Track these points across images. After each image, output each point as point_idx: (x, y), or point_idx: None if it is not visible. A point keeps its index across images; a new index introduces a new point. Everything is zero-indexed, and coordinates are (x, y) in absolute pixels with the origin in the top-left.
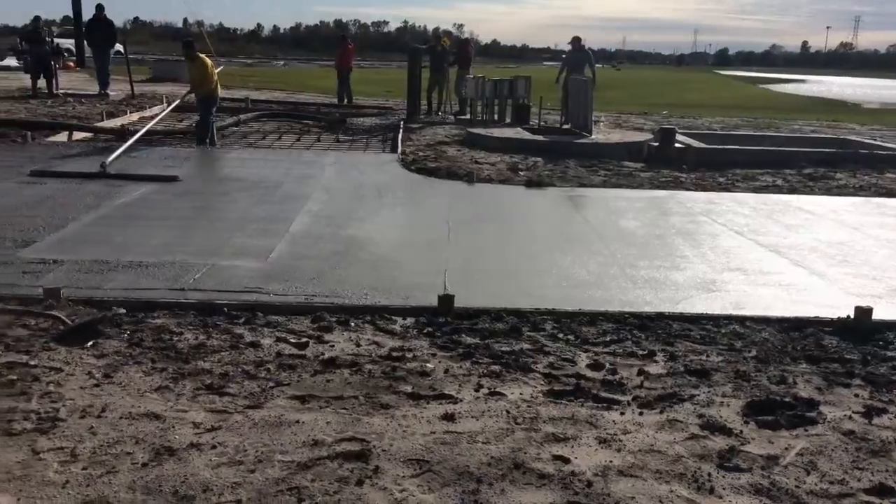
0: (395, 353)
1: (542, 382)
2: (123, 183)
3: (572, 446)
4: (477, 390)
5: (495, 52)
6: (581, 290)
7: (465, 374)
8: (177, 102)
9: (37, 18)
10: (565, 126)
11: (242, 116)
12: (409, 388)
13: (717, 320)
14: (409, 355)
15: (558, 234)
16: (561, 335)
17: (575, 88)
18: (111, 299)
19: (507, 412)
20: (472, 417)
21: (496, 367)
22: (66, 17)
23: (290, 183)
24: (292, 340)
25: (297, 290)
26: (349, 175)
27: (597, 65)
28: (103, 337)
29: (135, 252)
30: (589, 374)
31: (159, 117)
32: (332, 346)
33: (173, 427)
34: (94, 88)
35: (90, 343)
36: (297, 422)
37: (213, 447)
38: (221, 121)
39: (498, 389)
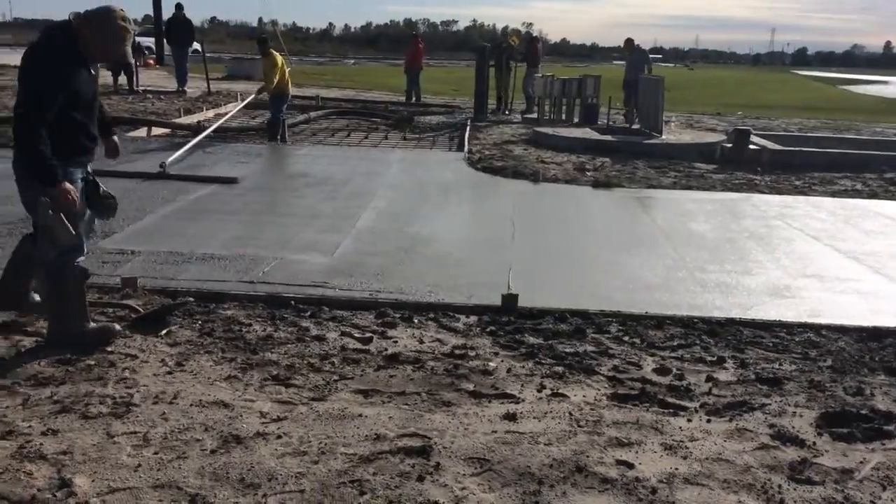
0: (457, 351)
1: (607, 385)
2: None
3: (636, 452)
4: (539, 391)
5: (564, 50)
6: (648, 292)
7: (528, 374)
8: (249, 100)
9: None
10: (634, 126)
11: (312, 114)
12: (470, 387)
13: (790, 328)
14: (472, 353)
15: (625, 235)
16: (626, 338)
17: (645, 88)
18: (184, 290)
19: (570, 414)
20: (535, 418)
21: (559, 369)
22: (146, 16)
23: (358, 180)
24: (356, 335)
25: (361, 285)
26: (415, 173)
27: (668, 64)
28: (176, 326)
29: (207, 244)
30: (655, 378)
31: (229, 115)
32: (396, 342)
33: (241, 416)
34: (172, 85)
35: (164, 332)
36: (360, 415)
37: (279, 437)
38: (292, 118)
39: (561, 391)
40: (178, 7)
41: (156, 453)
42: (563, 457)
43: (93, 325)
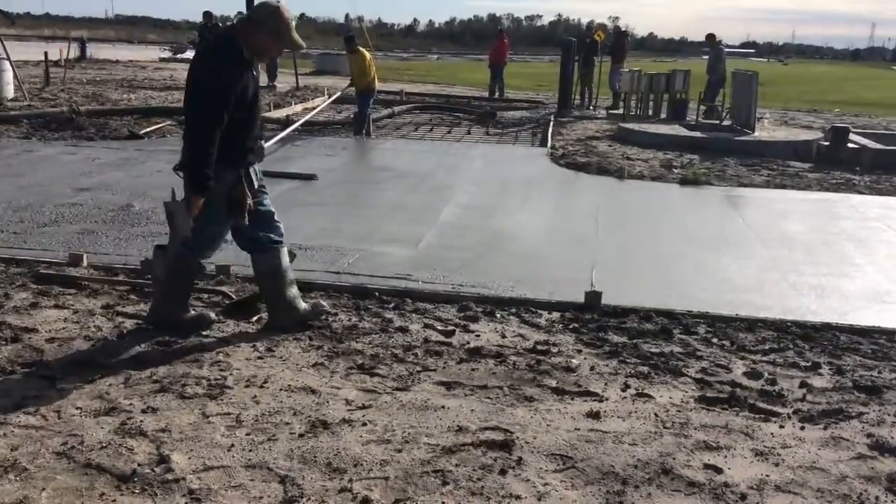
0: (539, 347)
1: (694, 388)
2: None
3: (725, 456)
4: (624, 390)
5: (651, 45)
6: (737, 294)
7: (612, 372)
8: (336, 95)
9: (206, 14)
10: (725, 122)
11: (396, 108)
12: (553, 383)
13: (891, 334)
14: (555, 350)
15: (714, 234)
16: (715, 340)
17: (738, 83)
18: None
19: (656, 415)
20: (619, 417)
21: (644, 369)
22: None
23: (440, 174)
24: (439, 328)
25: (444, 278)
26: (498, 167)
27: (762, 59)
28: (266, 313)
29: (295, 235)
30: (745, 382)
31: (317, 110)
32: (478, 335)
33: (327, 402)
34: (262, 81)
35: (255, 318)
36: (443, 407)
37: (364, 424)
38: (377, 112)
39: (646, 391)
40: None
41: (248, 434)
42: (648, 458)
43: (191, 313)
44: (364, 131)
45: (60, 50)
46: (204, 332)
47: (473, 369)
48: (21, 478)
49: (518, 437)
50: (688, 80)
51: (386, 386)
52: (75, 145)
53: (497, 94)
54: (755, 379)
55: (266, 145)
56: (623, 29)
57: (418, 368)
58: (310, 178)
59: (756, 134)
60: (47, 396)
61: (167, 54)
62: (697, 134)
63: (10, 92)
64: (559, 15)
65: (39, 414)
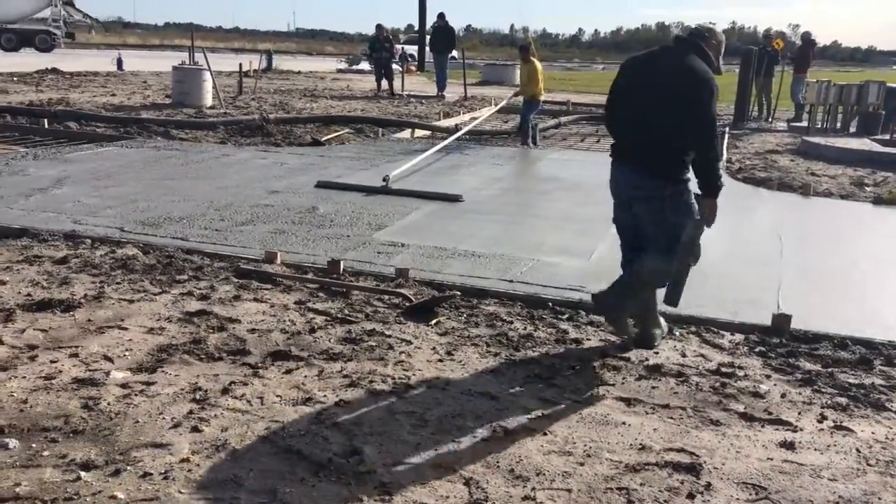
0: (724, 369)
1: None
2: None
3: None
4: (820, 421)
5: (835, 54)
6: None
7: (806, 402)
8: (502, 104)
9: (378, 27)
10: None
11: (563, 119)
12: (740, 408)
13: None
14: (740, 373)
15: None
16: None
17: None
18: (449, 283)
19: (857, 451)
20: (815, 450)
21: (842, 400)
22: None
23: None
24: (616, 342)
25: None
26: None
27: None
28: (444, 317)
29: (468, 242)
30: None
31: (480, 119)
32: (657, 353)
33: (507, 409)
34: (432, 90)
35: (434, 321)
36: (624, 423)
37: (544, 434)
38: (543, 122)
39: (845, 424)
40: (441, 16)
41: (433, 434)
42: (850, 495)
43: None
44: (531, 141)
45: (250, 62)
46: (388, 332)
47: (654, 387)
48: (231, 458)
49: (705, 462)
50: (883, 91)
51: (564, 397)
52: (265, 150)
53: None
54: None
55: (394, 172)
56: (813, 38)
57: (597, 382)
58: (455, 199)
59: None
60: (251, 383)
61: (343, 65)
62: (893, 150)
63: (208, 100)
64: (733, 23)
65: (245, 399)
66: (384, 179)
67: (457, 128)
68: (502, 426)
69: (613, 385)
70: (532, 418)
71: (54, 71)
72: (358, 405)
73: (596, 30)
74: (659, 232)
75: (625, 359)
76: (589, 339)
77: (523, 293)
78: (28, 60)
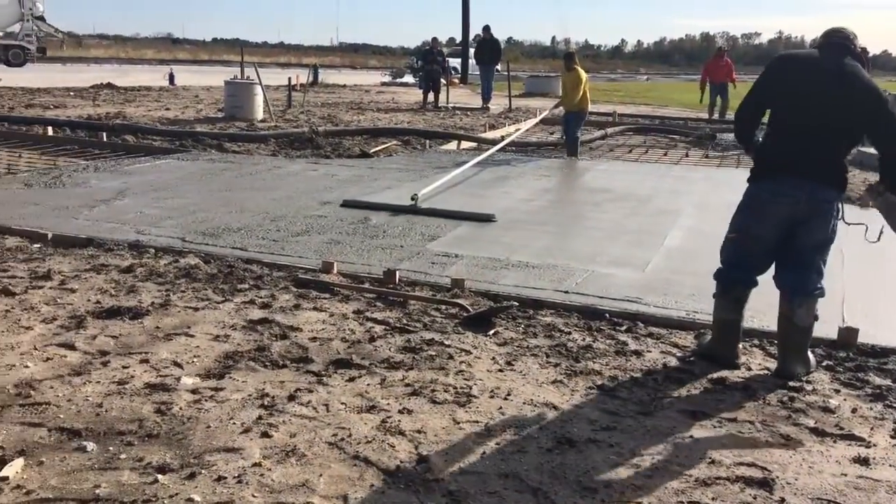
0: (791, 383)
1: None
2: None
3: None
4: (893, 437)
5: (885, 63)
6: None
7: (878, 417)
8: (542, 115)
9: (434, 40)
10: None
11: (609, 130)
12: (811, 423)
13: None
14: (808, 387)
15: None
16: None
17: None
18: (505, 294)
19: None
20: (891, 466)
21: None
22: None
23: (660, 197)
24: (677, 354)
25: (677, 304)
26: (722, 192)
27: None
28: (502, 327)
29: (521, 253)
30: None
31: (522, 130)
32: (719, 366)
33: (571, 420)
34: (476, 102)
35: (491, 332)
36: (691, 436)
37: (610, 446)
38: (588, 134)
39: None
40: (486, 29)
41: (497, 444)
42: None
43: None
44: (576, 152)
45: (297, 76)
46: (447, 342)
47: (720, 400)
48: (301, 463)
49: (778, 477)
50: None
51: (628, 409)
52: (315, 162)
53: (717, 115)
54: None
55: (423, 191)
56: (863, 46)
57: (660, 394)
58: (486, 219)
59: None
60: (316, 391)
61: (387, 78)
62: None
63: (259, 114)
64: (780, 32)
65: (311, 406)
66: (412, 198)
67: (502, 139)
68: (567, 437)
69: (678, 397)
70: (597, 430)
71: (109, 86)
72: (421, 413)
73: (639, 40)
74: (824, 248)
75: (688, 371)
76: (650, 351)
77: (580, 304)
78: (7, 76)
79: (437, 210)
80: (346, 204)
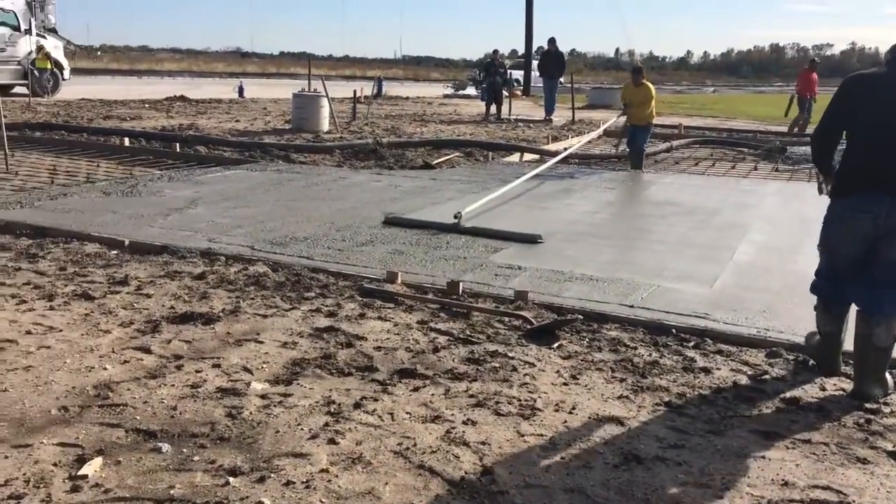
0: (868, 405)
1: None
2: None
3: None
4: None
5: None
6: None
7: None
8: (603, 128)
9: (494, 52)
10: None
11: (675, 143)
12: (889, 446)
13: None
14: (886, 409)
15: None
16: None
17: None
18: (569, 307)
19: None
20: None
21: None
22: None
23: (728, 211)
24: (748, 372)
25: (747, 321)
26: (792, 206)
27: None
28: (566, 340)
29: (586, 266)
30: None
31: (582, 142)
32: (792, 384)
33: (637, 437)
34: (539, 114)
35: (556, 345)
36: (763, 457)
37: (679, 464)
38: (654, 146)
39: None
40: (551, 41)
41: (562, 458)
42: None
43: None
44: (640, 165)
45: (361, 88)
46: (511, 354)
47: (793, 420)
48: (367, 470)
49: (854, 501)
50: None
51: (696, 427)
52: (379, 173)
53: (796, 129)
54: None
55: (468, 208)
56: None
57: (730, 413)
58: (533, 240)
59: None
60: (381, 399)
61: (450, 90)
62: None
63: (325, 125)
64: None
65: (376, 414)
66: (455, 216)
67: (565, 151)
68: (634, 454)
69: (749, 416)
70: (665, 447)
71: (182, 98)
72: (485, 425)
73: (705, 52)
74: None
75: (759, 390)
76: (719, 369)
77: (646, 319)
78: (86, 88)
79: (480, 229)
80: (388, 222)
